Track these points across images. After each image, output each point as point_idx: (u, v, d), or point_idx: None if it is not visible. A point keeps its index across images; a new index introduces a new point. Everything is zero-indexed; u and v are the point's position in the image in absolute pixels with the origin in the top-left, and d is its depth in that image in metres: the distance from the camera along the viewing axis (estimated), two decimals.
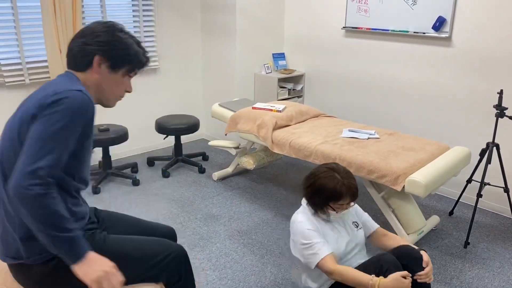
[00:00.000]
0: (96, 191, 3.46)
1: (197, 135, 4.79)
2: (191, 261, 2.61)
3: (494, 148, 2.89)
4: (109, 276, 1.28)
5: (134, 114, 4.21)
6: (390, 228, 2.68)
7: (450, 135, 3.40)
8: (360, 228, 1.94)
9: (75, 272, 1.27)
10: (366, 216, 2.02)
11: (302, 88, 4.42)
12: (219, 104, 3.69)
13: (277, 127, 3.16)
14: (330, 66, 4.12)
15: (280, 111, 3.28)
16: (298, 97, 4.44)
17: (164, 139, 4.07)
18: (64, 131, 1.27)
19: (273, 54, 4.43)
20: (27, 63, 3.43)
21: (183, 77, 4.48)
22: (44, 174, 1.21)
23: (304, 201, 1.94)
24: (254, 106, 3.36)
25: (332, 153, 2.76)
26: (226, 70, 4.31)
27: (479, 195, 2.78)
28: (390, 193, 2.77)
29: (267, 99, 4.28)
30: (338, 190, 1.76)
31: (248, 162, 3.52)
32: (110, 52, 1.43)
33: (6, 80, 3.35)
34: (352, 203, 1.82)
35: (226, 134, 3.51)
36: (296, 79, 4.43)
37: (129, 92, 1.53)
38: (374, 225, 2.01)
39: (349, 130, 3.09)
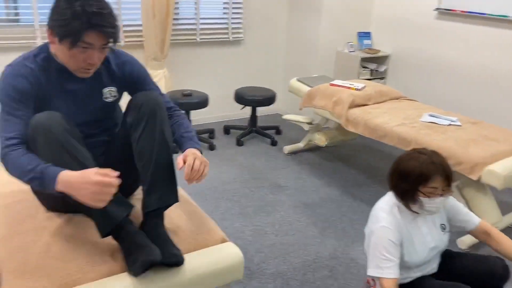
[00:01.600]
0: (174, 150, 3.68)
1: (273, 108, 4.86)
2: (256, 224, 2.72)
3: None
4: (97, 188, 1.27)
5: (216, 83, 4.37)
6: None
7: None
8: (447, 232, 1.75)
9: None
10: (464, 212, 1.77)
11: (385, 69, 4.30)
12: (297, 79, 3.72)
13: (353, 105, 3.13)
14: (419, 48, 3.96)
15: (358, 90, 3.24)
16: (380, 78, 4.33)
17: (241, 109, 4.18)
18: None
19: (358, 32, 4.34)
20: (124, 26, 3.70)
21: (265, 50, 4.55)
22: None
23: (390, 193, 1.72)
24: (332, 82, 3.35)
25: (408, 136, 2.69)
26: (309, 46, 4.30)
27: None
28: (465, 183, 2.65)
29: (347, 78, 4.21)
30: (425, 169, 1.55)
31: (320, 139, 3.54)
32: (51, 24, 1.45)
33: None
34: (448, 189, 1.58)
35: (301, 109, 3.54)
36: (380, 60, 4.31)
37: (91, 64, 1.47)
38: (475, 221, 1.75)
39: (429, 115, 2.98)
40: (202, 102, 3.70)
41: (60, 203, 1.59)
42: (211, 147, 3.82)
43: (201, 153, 1.58)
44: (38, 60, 1.52)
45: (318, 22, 4.13)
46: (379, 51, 4.26)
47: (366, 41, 4.38)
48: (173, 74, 4.06)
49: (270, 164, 3.60)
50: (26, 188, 1.76)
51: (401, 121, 2.87)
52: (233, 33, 4.25)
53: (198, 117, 4.39)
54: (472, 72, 3.54)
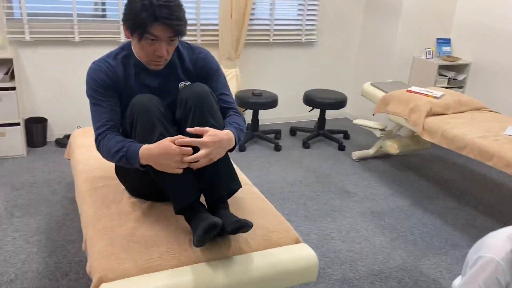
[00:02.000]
0: (241, 148, 3.73)
1: (341, 112, 4.79)
2: (321, 228, 2.68)
3: None
4: (176, 159, 1.40)
5: (285, 83, 4.37)
6: None
7: None
8: None
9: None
10: None
11: (464, 78, 4.09)
12: (371, 83, 3.63)
13: (431, 113, 3.00)
14: (504, 58, 3.73)
15: (437, 98, 3.10)
16: (459, 87, 4.12)
17: (309, 111, 4.16)
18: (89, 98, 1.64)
19: (437, 39, 4.16)
20: (201, 25, 3.79)
21: (337, 53, 4.48)
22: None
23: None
24: (409, 89, 3.24)
25: (490, 149, 2.54)
26: (383, 50, 4.19)
27: None
28: None
29: (423, 85, 4.07)
30: None
31: (392, 147, 3.43)
32: (124, 18, 1.54)
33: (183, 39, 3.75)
34: None
35: (374, 114, 3.45)
36: (459, 68, 4.11)
37: (159, 56, 1.54)
38: None
39: None
40: (271, 102, 3.71)
41: (142, 189, 1.69)
42: (277, 148, 3.82)
43: (233, 148, 1.56)
44: (118, 57, 1.64)
45: (396, 27, 4.01)
46: (459, 59, 4.06)
47: (445, 48, 4.20)
48: (244, 73, 4.11)
49: (337, 168, 3.54)
50: (112, 174, 1.85)
51: (483, 133, 2.71)
52: (306, 34, 4.24)
53: (265, 117, 4.42)
54: None
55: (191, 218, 1.49)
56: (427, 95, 3.14)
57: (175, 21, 1.48)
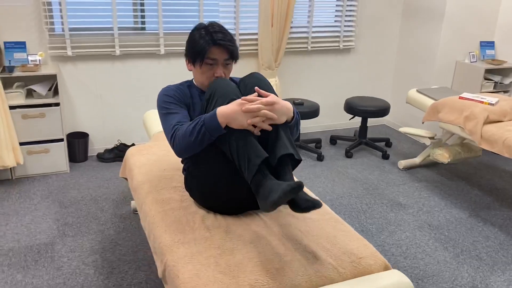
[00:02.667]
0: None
1: (379, 120, 4.68)
2: (379, 243, 2.58)
3: None
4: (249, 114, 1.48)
5: (324, 91, 4.28)
6: None
7: None
8: None
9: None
10: None
11: (511, 82, 3.95)
12: (417, 90, 3.52)
13: (488, 121, 2.88)
14: None
15: (492, 104, 2.98)
16: (505, 92, 3.98)
17: (350, 119, 4.06)
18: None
19: (481, 42, 4.03)
20: (240, 34, 3.73)
21: (376, 59, 4.38)
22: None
23: None
24: (461, 96, 3.12)
25: None
26: (424, 55, 4.07)
27: None
28: None
29: (468, 90, 3.94)
30: None
31: (443, 155, 3.31)
32: (186, 52, 1.79)
33: None
34: None
35: (423, 122, 3.34)
36: (505, 72, 3.97)
37: (218, 77, 1.72)
38: None
39: None
40: (313, 112, 3.63)
41: (213, 194, 1.68)
42: (319, 158, 3.73)
43: (292, 124, 1.61)
44: (183, 86, 1.85)
45: (438, 30, 3.89)
46: (504, 62, 3.92)
47: (489, 51, 4.06)
48: (283, 82, 4.04)
49: (385, 179, 3.43)
50: (181, 195, 1.78)
51: None
52: (344, 41, 4.14)
53: (303, 125, 4.33)
54: None
55: (261, 184, 1.43)
56: (481, 102, 3.02)
57: (228, 43, 1.72)
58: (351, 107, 3.78)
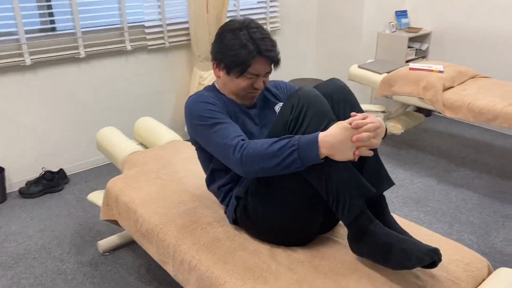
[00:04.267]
0: None
1: None
2: None
3: None
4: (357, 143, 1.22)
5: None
6: None
7: None
8: None
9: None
10: None
11: (427, 48, 4.18)
12: (358, 66, 3.50)
13: (444, 89, 2.97)
14: (464, 22, 3.86)
15: (442, 72, 3.08)
16: (422, 57, 4.21)
17: None
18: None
19: (396, 11, 4.18)
20: (168, 24, 3.29)
21: (300, 39, 4.28)
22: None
23: None
24: (411, 67, 3.17)
25: None
26: (350, 30, 4.09)
27: None
28: None
29: (393, 59, 4.07)
30: None
31: (396, 127, 3.36)
32: (217, 56, 1.50)
33: (149, 43, 3.22)
34: None
35: (376, 98, 3.34)
36: (421, 39, 4.19)
37: (257, 89, 1.51)
38: None
39: None
40: None
41: (287, 229, 1.40)
42: None
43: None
44: (213, 93, 1.54)
45: (362, 4, 3.91)
46: (420, 28, 4.12)
47: (404, 20, 4.23)
48: None
49: None
50: (224, 231, 1.45)
51: (507, 100, 2.74)
52: (270, 23, 3.95)
53: None
54: None
55: (368, 232, 1.23)
56: (431, 71, 3.10)
57: (273, 53, 1.47)
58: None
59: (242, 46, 1.42)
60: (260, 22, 3.79)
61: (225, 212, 1.57)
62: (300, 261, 1.34)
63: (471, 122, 3.95)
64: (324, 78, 4.44)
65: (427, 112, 4.18)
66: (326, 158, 1.24)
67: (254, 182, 1.41)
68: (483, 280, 1.32)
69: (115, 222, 1.92)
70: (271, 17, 3.92)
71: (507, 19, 3.60)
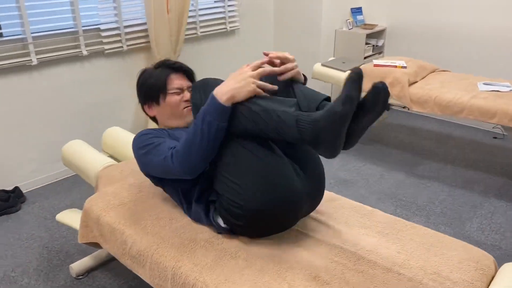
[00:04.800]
0: None
1: None
2: None
3: None
4: (248, 73, 1.29)
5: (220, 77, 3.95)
6: None
7: None
8: None
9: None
10: None
11: (383, 44, 4.26)
12: (321, 64, 3.50)
13: (409, 84, 3.02)
14: (418, 18, 3.97)
15: (405, 67, 3.14)
16: (379, 53, 4.29)
17: None
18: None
19: (351, 8, 4.22)
20: (125, 27, 3.11)
21: (259, 38, 4.22)
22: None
23: None
24: (375, 63, 3.20)
25: (491, 108, 2.66)
26: (306, 28, 4.08)
27: None
28: None
29: (352, 57, 4.11)
30: None
31: None
32: (142, 97, 1.68)
33: (106, 47, 3.03)
34: None
35: None
36: (376, 35, 4.26)
37: (187, 100, 1.63)
38: None
39: (485, 84, 2.99)
40: None
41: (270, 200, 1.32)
42: None
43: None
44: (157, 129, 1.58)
45: (319, 2, 3.92)
46: (376, 25, 4.20)
47: (359, 17, 4.29)
48: None
49: None
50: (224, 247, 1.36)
51: (469, 93, 2.83)
52: (230, 22, 3.86)
53: None
54: (483, 35, 3.64)
55: (311, 120, 1.22)
56: (395, 66, 3.15)
57: (185, 68, 1.68)
58: None
59: (155, 74, 1.63)
60: (219, 21, 3.72)
61: (214, 226, 1.47)
62: (312, 276, 1.28)
63: (430, 114, 4.08)
64: None
65: None
66: (237, 105, 1.27)
67: (215, 181, 1.38)
68: (493, 278, 1.32)
69: (95, 245, 1.76)
70: (229, 17, 3.83)
71: (459, 13, 3.74)
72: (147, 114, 1.72)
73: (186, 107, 1.63)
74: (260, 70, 1.31)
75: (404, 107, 3.36)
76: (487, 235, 2.42)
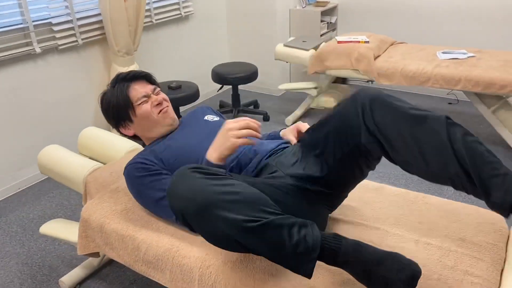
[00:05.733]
0: None
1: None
2: None
3: None
4: (229, 131, 1.26)
5: (182, 66, 3.82)
6: (503, 141, 2.85)
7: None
8: None
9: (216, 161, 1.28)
10: None
11: (336, 20, 4.31)
12: (284, 44, 3.48)
13: (375, 58, 3.08)
14: None
15: (368, 42, 3.19)
16: (333, 30, 4.33)
17: (218, 90, 3.77)
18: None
19: None
20: (79, 19, 2.90)
21: (213, 23, 4.11)
22: None
23: None
24: (339, 40, 3.22)
25: (455, 75, 2.78)
26: (260, 9, 4.03)
27: None
28: (498, 107, 2.90)
29: (308, 34, 4.12)
30: None
31: (329, 101, 3.43)
32: (115, 120, 1.58)
33: (59, 42, 2.81)
34: None
35: (309, 74, 3.34)
36: (329, 12, 4.30)
37: (160, 103, 1.56)
38: None
39: (443, 52, 3.11)
40: (193, 94, 3.20)
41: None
42: None
43: None
44: (139, 155, 1.54)
45: None
46: (328, 2, 4.23)
47: None
48: (143, 67, 3.40)
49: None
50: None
51: (431, 63, 2.93)
52: (184, 7, 3.72)
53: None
54: (430, 6, 3.79)
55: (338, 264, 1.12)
56: (359, 42, 3.19)
57: (142, 73, 1.59)
58: (221, 77, 3.50)
59: (115, 93, 1.54)
60: (173, 7, 3.57)
61: None
62: None
63: (387, 86, 4.20)
64: (242, 60, 4.35)
65: (343, 82, 4.34)
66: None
67: None
68: (509, 237, 1.38)
69: (95, 255, 1.65)
70: (183, 1, 3.69)
71: None
72: (126, 136, 1.65)
73: (161, 110, 1.56)
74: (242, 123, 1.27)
75: (368, 81, 3.42)
76: (464, 196, 2.54)
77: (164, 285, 1.41)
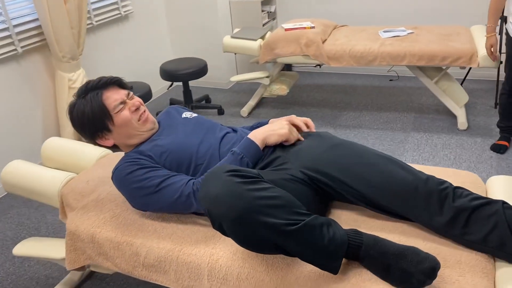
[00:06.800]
0: None
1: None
2: None
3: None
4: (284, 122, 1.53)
5: (130, 65, 3.69)
6: (446, 109, 3.05)
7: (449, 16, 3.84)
8: None
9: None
10: None
11: (275, 9, 4.37)
12: (231, 36, 3.48)
13: (322, 42, 3.17)
14: None
15: (313, 27, 3.27)
16: (273, 19, 4.39)
17: (169, 87, 3.70)
18: None
19: None
20: (15, 26, 2.71)
21: (153, 21, 4.02)
22: None
23: None
24: (286, 28, 3.28)
25: (399, 52, 2.93)
26: (200, 3, 3.99)
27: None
28: (439, 78, 3.11)
29: (249, 25, 4.14)
30: None
31: (282, 89, 3.48)
32: (93, 134, 1.51)
33: None
34: None
35: (259, 64, 3.37)
36: (268, 1, 4.35)
37: (137, 109, 1.52)
38: None
39: (385, 31, 3.27)
40: (146, 94, 3.12)
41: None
42: None
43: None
44: (125, 158, 1.49)
45: None
46: None
47: None
48: (89, 73, 3.26)
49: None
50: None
51: (376, 42, 3.08)
52: (123, 6, 3.59)
53: None
54: None
55: (359, 258, 1.17)
56: (305, 28, 3.27)
57: (115, 79, 1.53)
58: (170, 74, 3.44)
59: (87, 103, 1.46)
60: (112, 7, 3.45)
61: None
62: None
63: (330, 70, 4.34)
64: (186, 56, 4.30)
65: (288, 68, 4.42)
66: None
67: None
68: (486, 192, 1.50)
69: (81, 268, 1.58)
70: (121, 0, 3.57)
71: None
72: (103, 146, 1.58)
73: (140, 118, 1.52)
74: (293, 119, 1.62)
75: (316, 66, 3.51)
76: (422, 164, 2.71)
77: (169, 286, 1.39)
